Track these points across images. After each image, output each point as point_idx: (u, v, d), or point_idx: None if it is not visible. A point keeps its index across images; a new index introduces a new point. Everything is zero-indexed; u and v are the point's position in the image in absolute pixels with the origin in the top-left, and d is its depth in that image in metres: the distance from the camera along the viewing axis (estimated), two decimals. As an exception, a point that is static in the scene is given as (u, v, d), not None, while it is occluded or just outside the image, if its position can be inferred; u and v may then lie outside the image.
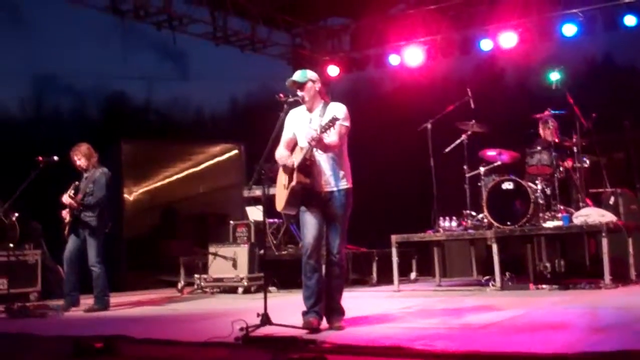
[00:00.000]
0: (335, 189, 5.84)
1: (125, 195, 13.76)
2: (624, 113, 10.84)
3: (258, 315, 5.53)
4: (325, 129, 5.55)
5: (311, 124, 5.86)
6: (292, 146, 6.05)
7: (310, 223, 5.84)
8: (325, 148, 5.72)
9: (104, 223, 8.70)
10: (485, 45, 13.01)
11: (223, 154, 14.88)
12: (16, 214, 9.09)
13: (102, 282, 8.61)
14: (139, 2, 11.73)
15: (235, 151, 14.74)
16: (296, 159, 5.81)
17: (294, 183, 5.76)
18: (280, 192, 5.99)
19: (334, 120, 5.55)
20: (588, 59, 19.83)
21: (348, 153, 6.01)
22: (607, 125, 10.18)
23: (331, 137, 5.66)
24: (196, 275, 10.74)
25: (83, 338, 5.32)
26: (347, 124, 5.85)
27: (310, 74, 5.98)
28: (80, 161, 8.67)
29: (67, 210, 8.59)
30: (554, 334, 5.01)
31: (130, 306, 9.06)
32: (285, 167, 5.89)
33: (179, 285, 10.98)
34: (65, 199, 8.60)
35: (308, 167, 5.77)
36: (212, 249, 10.65)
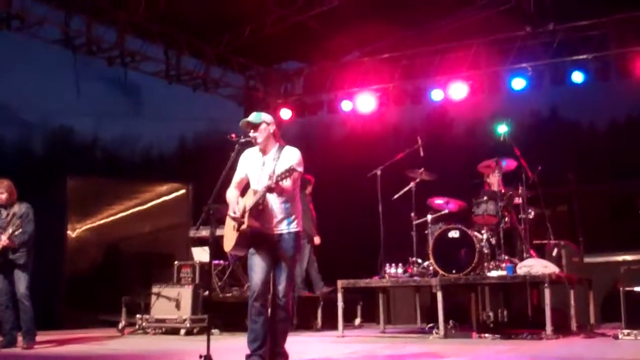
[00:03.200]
0: (285, 231, 5.83)
1: (69, 232, 13.50)
2: (569, 166, 11.09)
3: (200, 357, 5.44)
4: (281, 178, 5.55)
5: (264, 167, 5.87)
6: (243, 186, 6.03)
7: (258, 265, 5.80)
8: (280, 193, 5.72)
9: (32, 257, 8.57)
10: (436, 95, 13.24)
11: (170, 193, 14.73)
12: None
13: (31, 316, 8.44)
14: (92, 37, 11.65)
15: (183, 191, 14.61)
16: (248, 202, 5.78)
17: (244, 226, 5.73)
18: (229, 232, 5.94)
19: (290, 171, 5.55)
20: (535, 112, 20.36)
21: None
22: (552, 178, 10.38)
23: (285, 183, 5.66)
24: (138, 316, 10.53)
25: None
26: (300, 169, 5.85)
27: (265, 116, 5.99)
28: (3, 195, 8.55)
29: None
30: (497, 383, 5.03)
31: (69, 344, 8.82)
32: (233, 219, 5.83)
33: (120, 325, 10.72)
34: None
35: (260, 211, 5.75)
36: (155, 289, 10.47)
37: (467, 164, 10.84)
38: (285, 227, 5.83)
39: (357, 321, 11.32)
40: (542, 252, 9.65)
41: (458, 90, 12.96)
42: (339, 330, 9.45)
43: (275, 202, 5.80)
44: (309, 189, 11.59)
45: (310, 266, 11.40)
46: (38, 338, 8.58)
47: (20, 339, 8.49)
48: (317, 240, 11.42)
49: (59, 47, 11.60)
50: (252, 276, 5.82)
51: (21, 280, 8.45)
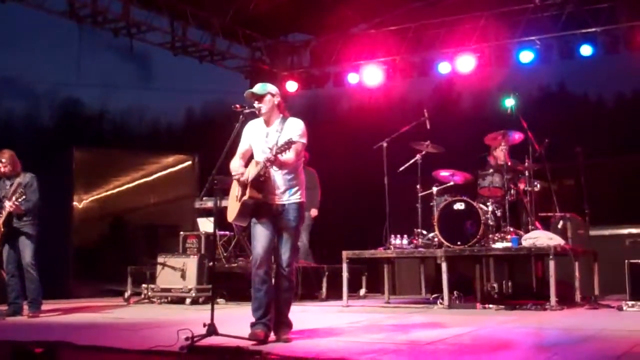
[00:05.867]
0: (287, 202, 5.83)
1: (75, 203, 13.56)
2: (576, 140, 11.03)
3: (205, 325, 5.45)
4: (281, 150, 5.54)
5: (268, 138, 5.85)
6: (248, 157, 6.03)
7: (260, 235, 5.82)
8: (281, 166, 5.71)
9: (38, 227, 8.62)
10: (443, 68, 13.19)
11: (176, 164, 14.77)
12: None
13: (37, 286, 8.53)
14: (97, 8, 11.62)
15: (189, 162, 14.65)
16: (250, 173, 5.79)
17: (246, 197, 5.73)
18: (232, 203, 5.96)
19: (289, 143, 5.54)
20: (543, 86, 20.25)
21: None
22: (559, 151, 10.35)
23: (288, 155, 5.65)
24: (144, 285, 10.61)
25: (22, 343, 5.18)
26: (303, 140, 5.85)
27: (270, 87, 5.97)
28: (6, 168, 8.58)
29: None
30: (499, 352, 5.05)
31: (75, 313, 8.90)
32: (238, 181, 5.86)
33: (126, 295, 10.82)
34: None
35: (262, 182, 5.75)
36: (160, 259, 10.52)
37: (474, 136, 10.79)
38: (287, 198, 5.83)
39: (362, 292, 11.38)
40: (548, 225, 9.65)
41: (465, 63, 12.92)
42: (343, 300, 9.50)
43: (277, 173, 5.79)
44: None
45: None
46: (44, 307, 8.66)
47: (26, 307, 8.57)
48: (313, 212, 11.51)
49: (66, 18, 11.58)
50: (255, 245, 5.84)
51: (27, 250, 8.51)
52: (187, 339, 5.19)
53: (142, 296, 10.55)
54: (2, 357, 4.79)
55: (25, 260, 8.49)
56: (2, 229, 8.43)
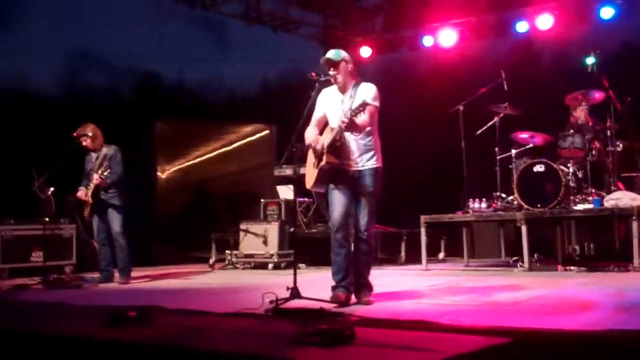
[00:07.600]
0: (364, 167, 5.91)
1: (158, 173, 13.97)
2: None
3: (288, 289, 5.62)
4: (355, 113, 5.60)
5: (343, 105, 5.93)
6: (322, 125, 6.12)
7: (338, 200, 5.93)
8: (356, 130, 5.77)
9: (124, 198, 8.91)
10: (521, 27, 12.91)
11: (255, 133, 15.03)
12: (51, 189, 9.27)
13: (126, 254, 8.86)
14: (173, -20, 11.85)
15: (267, 131, 14.88)
16: (326, 139, 5.88)
17: (323, 163, 5.84)
18: (310, 170, 6.07)
19: (364, 105, 5.59)
20: (624, 43, 19.54)
21: (379, 133, 6.07)
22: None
23: (362, 117, 5.70)
24: (227, 252, 10.92)
25: (118, 307, 5.45)
26: (376, 104, 5.90)
27: (344, 54, 6.04)
28: (87, 141, 8.87)
29: (85, 193, 8.78)
30: (580, 312, 5.05)
31: (163, 279, 9.24)
32: (314, 150, 5.96)
33: (210, 261, 11.15)
34: (81, 193, 8.82)
35: (338, 148, 5.83)
36: (243, 226, 10.80)
37: (553, 97, 10.59)
38: (363, 163, 5.91)
39: (441, 255, 11.40)
40: (631, 185, 9.43)
41: (544, 21, 12.60)
42: (422, 264, 9.56)
43: (352, 138, 5.87)
44: None
45: None
46: (133, 274, 9.03)
47: (116, 274, 8.94)
48: None
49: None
50: (332, 211, 5.96)
51: (115, 220, 8.84)
52: (271, 302, 5.38)
53: (226, 262, 10.87)
54: (101, 319, 5.06)
55: (115, 230, 8.83)
56: (91, 201, 8.78)
